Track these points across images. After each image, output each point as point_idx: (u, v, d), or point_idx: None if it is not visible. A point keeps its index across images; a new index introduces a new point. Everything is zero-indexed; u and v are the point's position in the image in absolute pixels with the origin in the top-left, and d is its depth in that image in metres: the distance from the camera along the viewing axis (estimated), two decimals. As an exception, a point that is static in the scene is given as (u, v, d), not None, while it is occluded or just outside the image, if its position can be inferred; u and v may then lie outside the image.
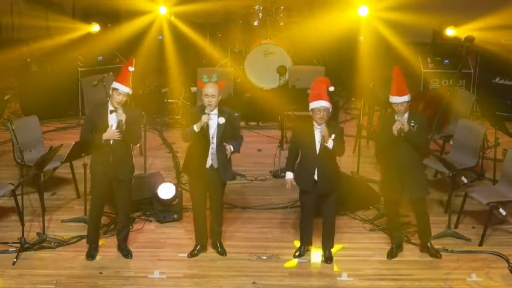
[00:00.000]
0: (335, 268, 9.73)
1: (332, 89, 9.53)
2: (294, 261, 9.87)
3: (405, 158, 9.57)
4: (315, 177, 9.55)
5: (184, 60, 14.36)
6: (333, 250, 9.89)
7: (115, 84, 9.44)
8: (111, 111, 9.47)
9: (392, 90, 9.57)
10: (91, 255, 9.86)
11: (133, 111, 9.66)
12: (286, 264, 9.82)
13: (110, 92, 9.51)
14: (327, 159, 9.52)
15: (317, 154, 9.49)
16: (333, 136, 9.37)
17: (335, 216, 9.86)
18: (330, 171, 9.58)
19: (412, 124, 9.50)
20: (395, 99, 9.53)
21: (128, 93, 9.46)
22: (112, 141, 9.50)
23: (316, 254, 9.94)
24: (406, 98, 9.49)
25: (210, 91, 9.41)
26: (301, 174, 9.71)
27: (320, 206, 9.77)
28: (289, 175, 9.75)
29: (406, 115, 9.54)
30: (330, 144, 9.36)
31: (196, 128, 9.41)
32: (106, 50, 14.23)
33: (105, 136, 9.48)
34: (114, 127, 9.45)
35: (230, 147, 9.56)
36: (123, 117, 9.39)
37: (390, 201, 9.88)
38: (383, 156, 9.89)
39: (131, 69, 9.52)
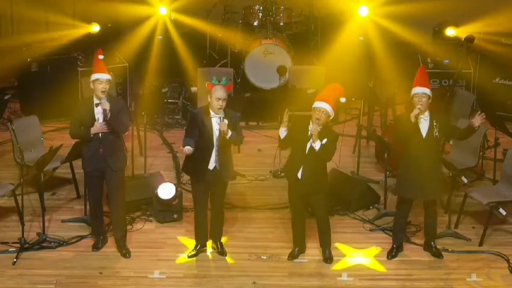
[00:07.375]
0: (335, 268, 9.74)
1: (343, 100, 9.52)
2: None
3: (425, 158, 9.54)
4: (299, 175, 9.53)
5: (184, 60, 14.34)
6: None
7: (94, 76, 9.57)
8: (96, 105, 9.57)
9: (414, 83, 9.58)
10: (96, 246, 9.98)
11: (118, 101, 9.83)
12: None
13: (92, 86, 9.62)
14: (315, 160, 9.46)
15: (305, 153, 9.48)
16: (324, 140, 9.33)
17: (326, 216, 9.82)
18: (315, 172, 9.51)
19: (435, 124, 9.50)
20: (416, 89, 9.51)
21: (109, 80, 9.58)
22: (100, 134, 9.57)
23: (315, 254, 9.95)
24: (427, 90, 9.50)
25: (222, 94, 9.39)
26: (287, 167, 9.75)
27: (309, 208, 9.79)
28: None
29: (427, 113, 9.54)
30: (317, 145, 9.33)
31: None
32: (107, 50, 14.21)
33: (93, 130, 9.56)
34: (101, 120, 9.55)
35: (228, 131, 9.44)
36: (107, 106, 9.48)
37: (404, 200, 9.83)
38: (402, 155, 9.81)
39: (100, 57, 9.67)
